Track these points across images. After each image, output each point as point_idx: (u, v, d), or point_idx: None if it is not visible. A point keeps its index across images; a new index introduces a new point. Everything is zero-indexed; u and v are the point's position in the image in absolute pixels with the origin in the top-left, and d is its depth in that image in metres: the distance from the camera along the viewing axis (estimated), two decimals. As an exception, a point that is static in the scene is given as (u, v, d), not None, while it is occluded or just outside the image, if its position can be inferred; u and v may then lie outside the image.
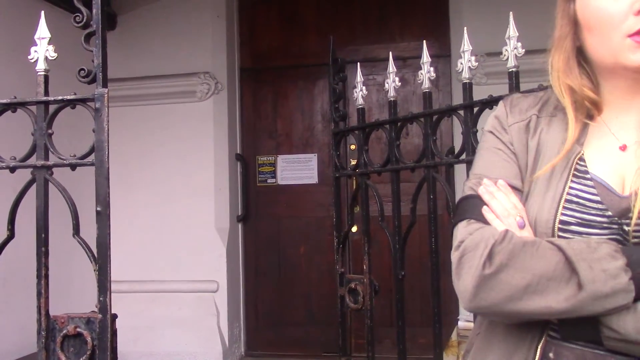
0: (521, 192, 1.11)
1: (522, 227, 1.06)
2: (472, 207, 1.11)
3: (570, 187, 1.06)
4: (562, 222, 1.04)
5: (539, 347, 1.04)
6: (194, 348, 4.48)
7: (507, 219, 1.07)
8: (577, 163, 1.07)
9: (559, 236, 1.04)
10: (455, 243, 1.09)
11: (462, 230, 1.09)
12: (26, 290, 2.40)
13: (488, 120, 1.22)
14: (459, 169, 2.23)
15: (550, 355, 1.03)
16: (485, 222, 1.08)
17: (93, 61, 1.70)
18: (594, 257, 0.97)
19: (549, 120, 1.14)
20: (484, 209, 1.09)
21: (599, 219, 1.02)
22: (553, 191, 1.07)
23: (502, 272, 1.00)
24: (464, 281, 1.04)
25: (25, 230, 1.82)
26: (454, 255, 1.08)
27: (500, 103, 1.23)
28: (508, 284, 0.99)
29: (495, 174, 1.14)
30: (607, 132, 1.09)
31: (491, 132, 1.19)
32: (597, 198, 1.03)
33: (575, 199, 1.05)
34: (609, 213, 1.02)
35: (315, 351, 4.73)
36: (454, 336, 3.42)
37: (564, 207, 1.04)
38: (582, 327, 0.99)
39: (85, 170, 1.77)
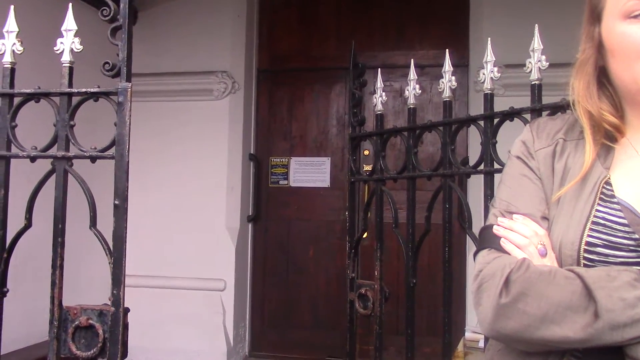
0: (547, 218, 1.11)
1: (543, 254, 1.06)
2: (494, 236, 1.12)
3: (597, 210, 1.05)
4: (588, 243, 1.03)
5: None
6: (199, 346, 4.49)
7: (527, 247, 1.07)
8: (603, 187, 1.06)
9: (585, 257, 1.03)
10: (474, 273, 1.10)
11: (481, 260, 1.10)
12: (36, 280, 2.41)
13: (514, 145, 1.22)
14: (476, 179, 2.22)
15: None
16: (505, 252, 1.09)
17: (118, 55, 1.71)
18: (613, 286, 0.96)
19: (576, 144, 1.13)
20: (502, 241, 1.10)
21: (625, 241, 1.01)
22: (579, 214, 1.06)
23: (518, 301, 1.00)
24: (483, 310, 1.05)
25: (38, 220, 1.83)
26: (473, 285, 1.09)
27: (527, 127, 1.22)
28: (525, 313, 0.99)
29: (521, 201, 1.14)
30: (635, 155, 1.08)
31: (518, 157, 1.19)
32: (624, 221, 1.02)
33: (601, 222, 1.04)
34: (636, 236, 1.00)
35: (320, 355, 4.72)
36: (460, 347, 3.40)
37: (590, 229, 1.03)
38: (607, 357, 0.98)
39: (103, 163, 1.78)
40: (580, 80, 1.13)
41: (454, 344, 3.40)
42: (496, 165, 1.98)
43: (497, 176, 1.84)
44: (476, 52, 4.38)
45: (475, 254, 1.14)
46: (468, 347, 3.34)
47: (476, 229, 1.39)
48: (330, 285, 4.78)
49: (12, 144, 1.78)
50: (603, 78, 1.13)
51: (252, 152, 4.98)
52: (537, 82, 1.90)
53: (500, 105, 2.06)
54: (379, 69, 2.61)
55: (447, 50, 2.26)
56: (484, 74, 2.06)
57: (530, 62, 1.91)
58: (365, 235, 2.92)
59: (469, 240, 2.51)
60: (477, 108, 2.11)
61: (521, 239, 1.08)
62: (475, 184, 2.15)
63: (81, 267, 3.70)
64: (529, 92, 1.93)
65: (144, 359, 4.42)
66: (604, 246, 1.02)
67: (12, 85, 1.80)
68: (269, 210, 5.03)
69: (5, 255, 1.77)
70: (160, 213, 4.72)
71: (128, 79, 1.70)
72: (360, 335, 4.18)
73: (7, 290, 1.79)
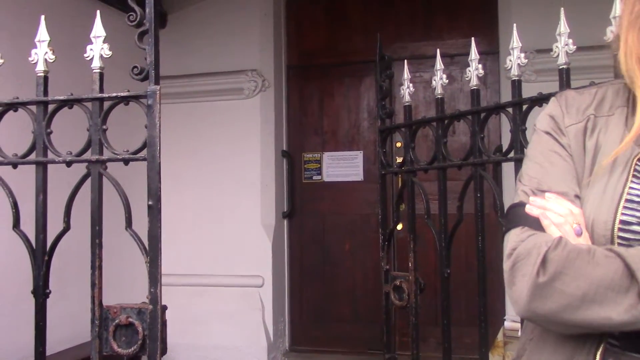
0: (579, 197, 1.07)
1: (579, 234, 1.02)
2: (525, 214, 1.07)
3: (631, 187, 1.01)
4: (622, 222, 0.99)
5: (598, 354, 1.00)
6: (239, 342, 4.54)
7: (563, 226, 1.03)
8: (636, 163, 1.02)
9: (619, 237, 0.99)
10: (507, 251, 1.06)
11: (515, 238, 1.06)
12: (79, 281, 2.48)
13: (541, 119, 1.16)
14: (507, 167, 2.20)
15: None
16: (539, 229, 1.04)
17: (146, 59, 1.74)
18: None
19: (607, 120, 1.09)
20: (541, 216, 1.05)
21: None
22: (612, 192, 1.02)
23: (557, 280, 0.96)
24: (517, 289, 1.01)
25: (78, 223, 1.88)
26: (507, 264, 1.04)
27: (554, 100, 1.17)
28: (563, 292, 0.95)
29: (553, 179, 1.09)
30: None
31: (548, 132, 1.14)
32: None
33: (636, 199, 1.00)
34: None
35: (360, 348, 4.73)
36: (500, 336, 3.38)
37: (624, 207, 1.00)
38: None
39: (136, 165, 1.82)
40: (635, 34, 1.06)
41: (494, 333, 3.38)
42: (526, 152, 1.97)
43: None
44: (506, 39, 4.28)
45: (505, 233, 1.10)
46: (508, 337, 3.32)
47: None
48: (367, 279, 4.79)
49: (48, 150, 1.83)
50: None
51: (284, 149, 5.01)
52: (564, 67, 1.88)
53: (532, 90, 2.03)
54: (405, 61, 2.60)
55: (472, 38, 2.25)
56: (510, 60, 2.04)
57: (557, 47, 1.88)
58: (400, 227, 2.92)
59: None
60: (509, 95, 2.08)
61: (557, 218, 1.04)
62: (511, 171, 2.13)
63: (122, 267, 3.78)
64: (559, 77, 1.91)
65: (186, 356, 4.50)
66: None
67: (45, 93, 1.85)
68: (304, 206, 5.05)
69: (46, 257, 1.83)
70: (196, 213, 4.79)
71: (156, 82, 1.73)
72: (400, 328, 4.19)
73: (50, 292, 1.85)
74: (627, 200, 1.00)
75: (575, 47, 1.85)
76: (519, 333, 3.01)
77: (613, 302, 0.92)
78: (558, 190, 1.08)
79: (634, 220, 0.99)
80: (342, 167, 4.96)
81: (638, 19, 1.06)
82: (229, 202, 4.76)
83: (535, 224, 1.05)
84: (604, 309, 0.93)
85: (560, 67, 1.89)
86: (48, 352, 1.89)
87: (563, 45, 1.87)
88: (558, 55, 1.89)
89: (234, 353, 4.53)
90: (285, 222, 5.02)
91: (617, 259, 0.94)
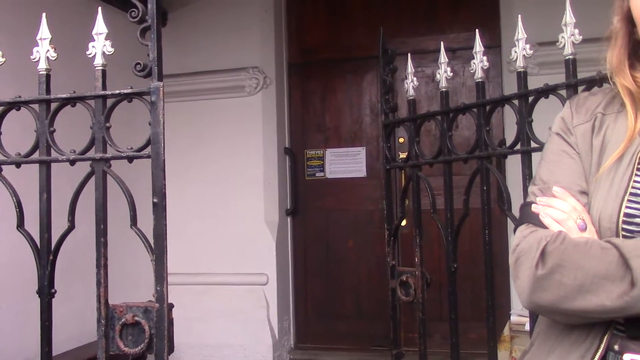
0: (586, 193, 1.12)
1: (582, 229, 1.07)
2: (532, 212, 1.14)
3: (635, 181, 1.05)
4: (626, 214, 1.03)
5: (605, 339, 1.04)
6: (244, 340, 4.54)
7: (566, 222, 1.08)
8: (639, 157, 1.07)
9: (623, 229, 1.03)
10: (512, 247, 1.12)
11: (519, 234, 1.12)
12: (84, 280, 2.47)
13: (554, 122, 1.23)
14: (514, 160, 2.18)
15: (615, 347, 1.03)
16: (543, 226, 1.10)
17: (148, 55, 1.73)
18: None
19: (615, 117, 1.14)
20: (541, 215, 1.11)
21: None
22: (617, 186, 1.06)
23: (555, 272, 1.01)
24: (520, 283, 1.07)
25: (82, 221, 1.87)
26: (511, 259, 1.11)
27: (567, 104, 1.24)
28: (561, 284, 1.00)
29: (560, 177, 1.15)
30: None
31: (557, 134, 1.20)
32: None
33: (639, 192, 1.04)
34: None
35: (364, 345, 4.73)
36: (506, 331, 3.37)
37: (629, 200, 1.04)
38: None
39: (140, 164, 1.80)
40: (612, 53, 1.14)
41: (500, 328, 3.37)
42: (533, 144, 1.95)
43: (534, 155, 1.81)
44: (508, 32, 4.30)
45: (514, 231, 1.16)
46: (514, 331, 3.31)
47: (516, 210, 1.38)
48: (371, 275, 4.78)
49: (52, 149, 1.82)
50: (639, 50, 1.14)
51: (287, 146, 5.00)
52: (571, 57, 1.86)
53: (535, 84, 2.02)
54: (409, 54, 2.59)
55: (477, 30, 2.23)
56: (515, 52, 2.03)
57: (563, 37, 1.87)
58: (404, 223, 2.90)
59: (509, 222, 2.48)
60: (511, 89, 2.08)
61: (559, 214, 1.09)
62: (514, 165, 2.13)
63: (126, 265, 3.77)
64: (564, 69, 1.89)
65: (192, 355, 4.49)
66: None
67: (48, 91, 1.84)
68: (307, 203, 5.04)
69: (51, 257, 1.82)
70: (200, 212, 4.78)
71: (160, 78, 1.72)
72: (405, 324, 4.17)
73: (55, 292, 1.84)
74: (631, 194, 1.05)
75: (581, 37, 1.84)
76: (526, 327, 3.00)
77: (607, 290, 0.97)
78: (564, 187, 1.13)
79: (637, 212, 1.03)
80: (345, 163, 4.95)
81: (616, 38, 1.15)
82: (232, 200, 4.75)
83: (540, 221, 1.11)
84: (598, 297, 0.97)
85: (567, 57, 1.87)
86: (54, 352, 1.88)
87: (569, 36, 1.85)
88: (564, 45, 1.87)
89: (239, 351, 4.52)
90: (289, 219, 5.01)
91: (613, 250, 0.98)
